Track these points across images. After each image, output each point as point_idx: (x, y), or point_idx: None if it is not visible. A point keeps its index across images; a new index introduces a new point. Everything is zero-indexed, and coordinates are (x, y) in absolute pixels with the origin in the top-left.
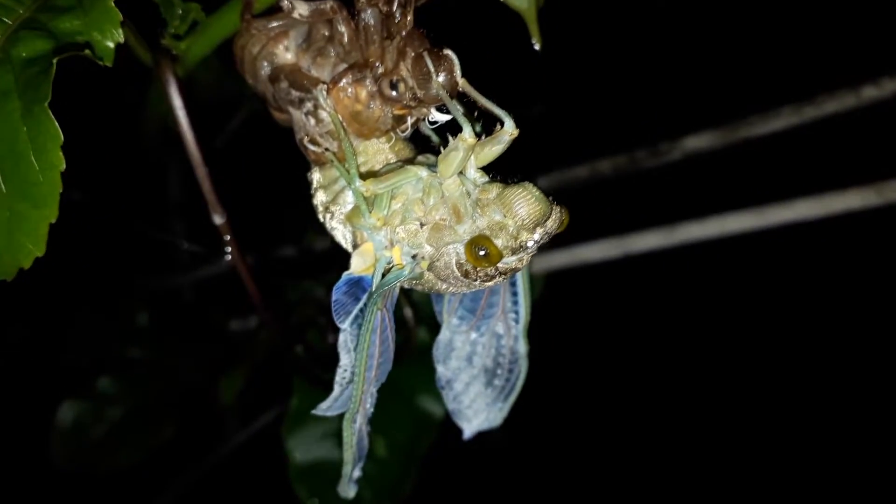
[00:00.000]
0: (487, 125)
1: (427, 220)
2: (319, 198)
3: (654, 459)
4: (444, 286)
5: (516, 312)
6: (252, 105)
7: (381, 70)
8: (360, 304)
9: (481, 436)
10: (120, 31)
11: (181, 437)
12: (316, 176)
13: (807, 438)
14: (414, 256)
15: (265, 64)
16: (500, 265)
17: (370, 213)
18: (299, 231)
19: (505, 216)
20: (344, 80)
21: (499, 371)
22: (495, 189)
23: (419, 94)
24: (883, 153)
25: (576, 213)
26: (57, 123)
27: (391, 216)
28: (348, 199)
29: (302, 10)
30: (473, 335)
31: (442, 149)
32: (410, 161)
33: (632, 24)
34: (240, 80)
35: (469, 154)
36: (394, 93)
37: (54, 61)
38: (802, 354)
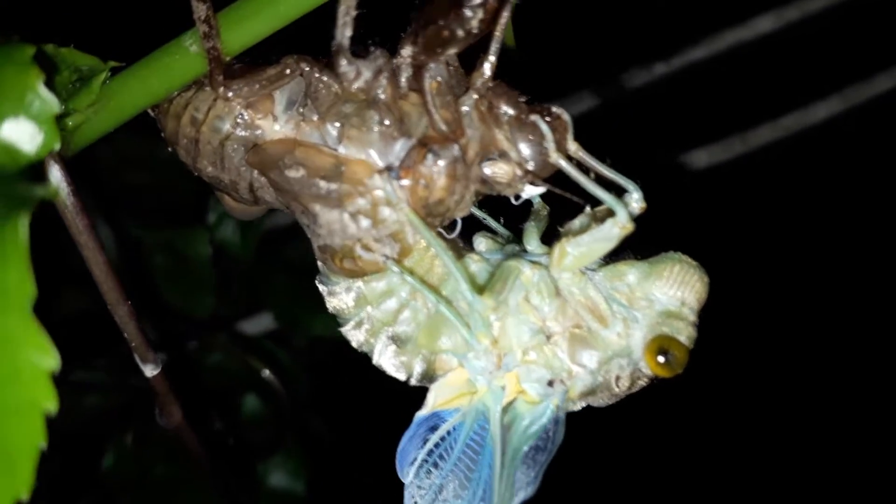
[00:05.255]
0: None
1: (552, 331)
2: (364, 319)
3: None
4: (578, 406)
5: None
6: None
7: (464, 142)
8: (429, 447)
9: None
10: (54, 128)
11: None
12: (353, 293)
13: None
14: (551, 382)
15: (238, 145)
16: None
17: (474, 333)
18: None
19: (682, 304)
20: (426, 164)
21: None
22: (632, 270)
23: (531, 167)
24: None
25: None
26: (42, 331)
27: (501, 333)
28: (416, 317)
29: (367, 73)
30: None
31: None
32: (462, 252)
33: None
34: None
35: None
36: (493, 171)
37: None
38: None
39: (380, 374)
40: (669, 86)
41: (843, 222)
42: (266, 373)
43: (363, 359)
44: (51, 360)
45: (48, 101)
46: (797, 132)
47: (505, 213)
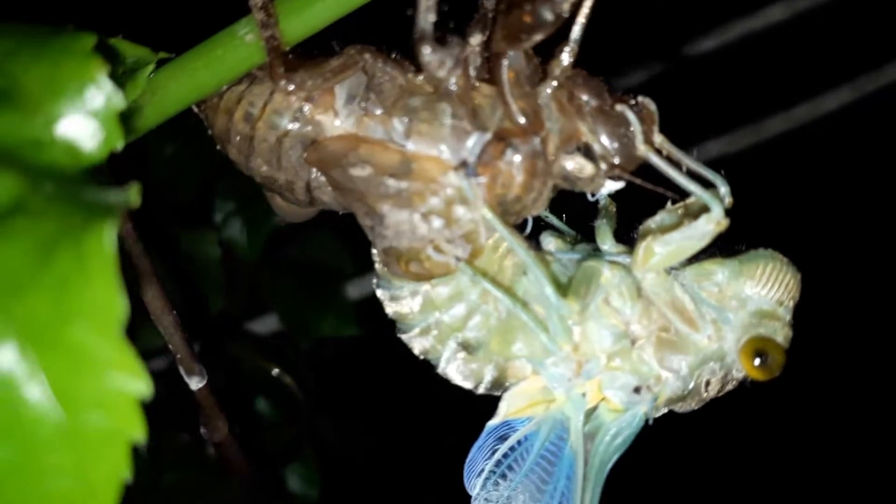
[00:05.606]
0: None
1: (636, 334)
2: (432, 325)
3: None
4: (661, 413)
5: None
6: None
7: (543, 135)
8: (498, 457)
9: None
10: (116, 124)
11: None
12: (419, 298)
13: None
14: (637, 389)
15: (295, 142)
16: None
17: (554, 338)
18: None
19: (777, 303)
20: (505, 159)
21: None
22: (721, 269)
23: (616, 160)
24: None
25: None
26: (133, 354)
27: (582, 338)
28: (487, 322)
29: (449, 63)
30: None
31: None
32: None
33: None
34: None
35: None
36: (575, 165)
37: (106, 231)
38: None
39: (388, 375)
40: (680, 76)
41: (857, 212)
42: (286, 378)
43: (369, 360)
44: (141, 385)
45: (111, 95)
46: (809, 122)
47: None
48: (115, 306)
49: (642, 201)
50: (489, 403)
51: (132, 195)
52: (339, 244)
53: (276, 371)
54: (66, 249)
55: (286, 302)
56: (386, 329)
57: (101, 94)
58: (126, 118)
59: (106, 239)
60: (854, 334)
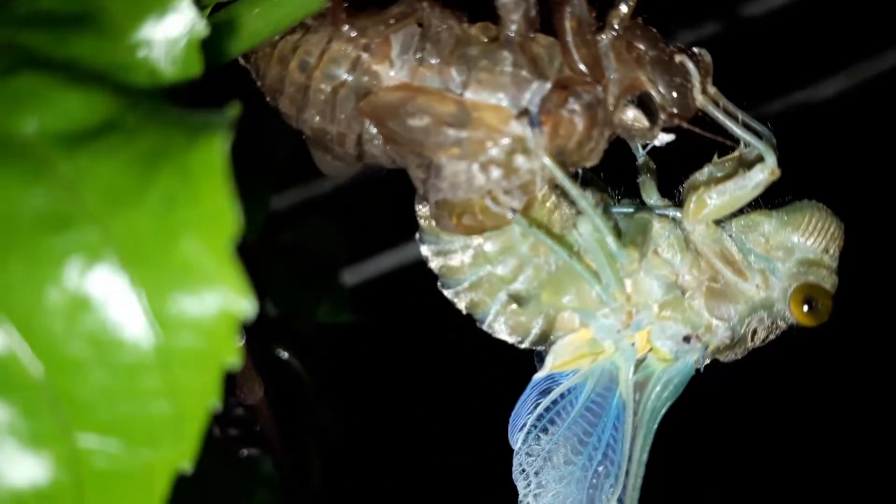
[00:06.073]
0: None
1: (687, 285)
2: (483, 279)
3: None
4: (705, 362)
5: None
6: None
7: (604, 84)
8: (540, 411)
9: None
10: (197, 52)
11: None
12: (470, 251)
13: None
14: (687, 338)
15: (349, 93)
16: None
17: (607, 289)
18: None
19: (823, 252)
20: (568, 107)
21: None
22: (767, 220)
23: (674, 110)
24: None
25: None
26: (241, 271)
27: (634, 289)
28: (539, 275)
29: (523, 5)
30: None
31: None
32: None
33: None
34: None
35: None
36: (634, 115)
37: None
38: None
39: (385, 363)
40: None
41: (853, 201)
42: (294, 361)
43: (364, 346)
44: (246, 304)
45: (195, 21)
46: (806, 107)
47: None
48: (227, 220)
49: (671, 159)
50: (481, 390)
51: (233, 112)
52: (334, 230)
53: (285, 355)
54: (170, 165)
55: (281, 288)
56: (381, 316)
57: (185, 19)
58: (208, 46)
59: (216, 153)
60: (852, 329)
